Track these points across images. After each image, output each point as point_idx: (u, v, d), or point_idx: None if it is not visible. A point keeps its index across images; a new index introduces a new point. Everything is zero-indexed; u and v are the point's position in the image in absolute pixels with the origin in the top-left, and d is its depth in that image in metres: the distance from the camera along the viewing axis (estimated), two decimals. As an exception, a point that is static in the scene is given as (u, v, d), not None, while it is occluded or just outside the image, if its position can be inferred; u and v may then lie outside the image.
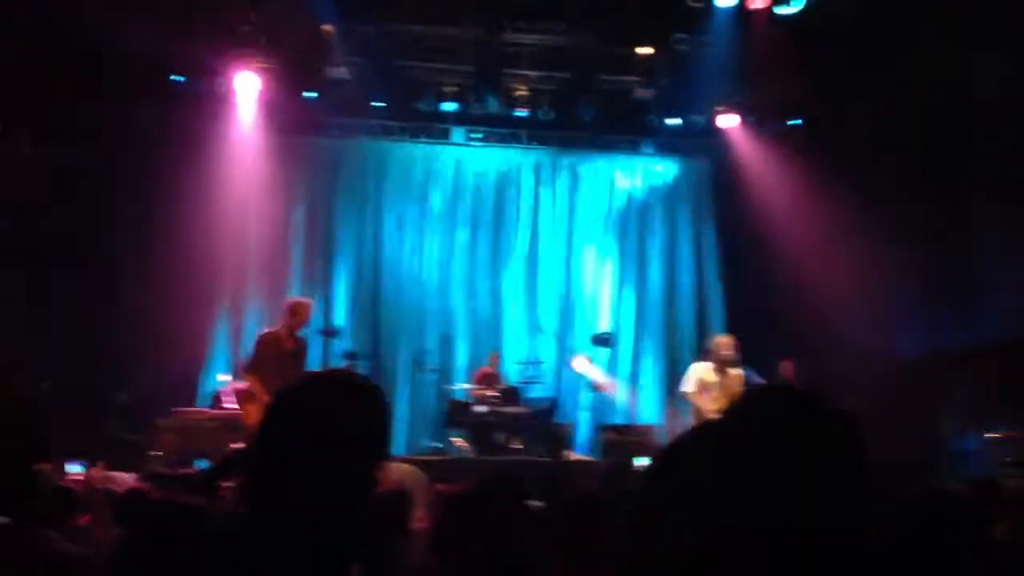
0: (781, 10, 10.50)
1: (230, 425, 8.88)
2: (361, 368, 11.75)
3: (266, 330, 8.53)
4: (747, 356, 8.98)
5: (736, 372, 8.73)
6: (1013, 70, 9.63)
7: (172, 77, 11.06)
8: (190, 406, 10.41)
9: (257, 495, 1.45)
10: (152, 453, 9.06)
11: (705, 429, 1.19)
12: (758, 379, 8.85)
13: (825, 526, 1.06)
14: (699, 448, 1.15)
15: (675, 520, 1.11)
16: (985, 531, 2.97)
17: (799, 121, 12.06)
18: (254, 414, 7.62)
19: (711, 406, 8.47)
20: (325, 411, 1.49)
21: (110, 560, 2.08)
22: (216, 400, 10.32)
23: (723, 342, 8.98)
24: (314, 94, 11.60)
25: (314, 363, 11.41)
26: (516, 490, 2.66)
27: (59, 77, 10.12)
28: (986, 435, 9.60)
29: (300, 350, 8.20)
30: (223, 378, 11.21)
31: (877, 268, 10.89)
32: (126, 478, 5.64)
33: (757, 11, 10.64)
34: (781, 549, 1.05)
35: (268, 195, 12.19)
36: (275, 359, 7.87)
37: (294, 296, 9.68)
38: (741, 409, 1.18)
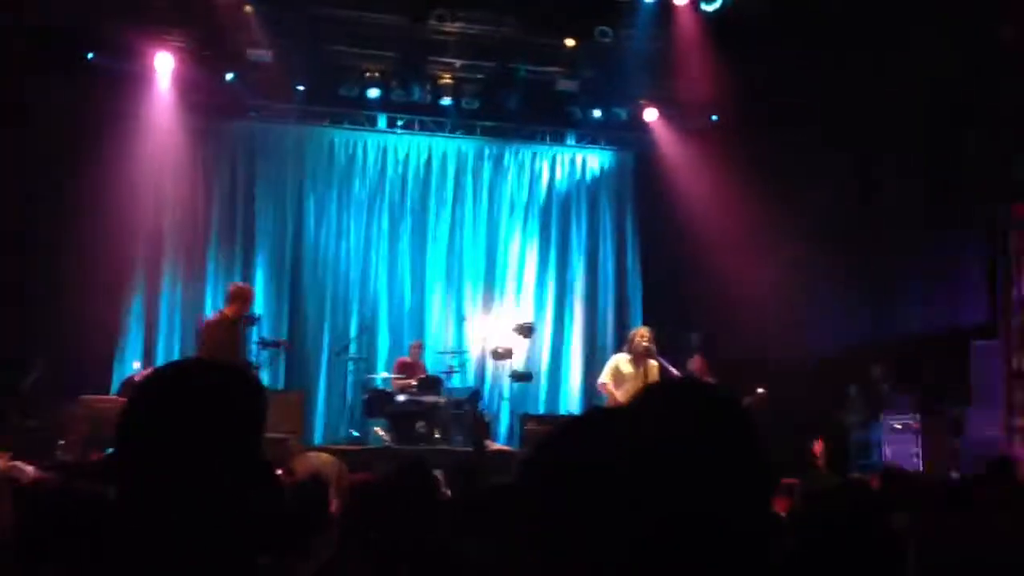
0: (705, 6, 10.68)
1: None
2: (280, 356, 11.63)
3: (215, 315, 8.64)
4: (664, 348, 9.10)
5: (652, 364, 8.85)
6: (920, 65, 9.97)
7: (87, 54, 10.73)
8: (103, 393, 10.14)
9: (128, 485, 1.43)
10: (60, 441, 8.80)
11: (581, 420, 1.19)
12: (673, 371, 8.97)
13: (719, 517, 1.08)
14: (579, 438, 1.15)
15: (551, 512, 1.10)
16: (887, 519, 3.07)
17: (717, 117, 12.26)
18: None
19: (626, 397, 8.57)
20: (189, 394, 1.48)
21: (6, 548, 2.03)
22: (128, 387, 10.07)
23: (641, 333, 9.08)
24: (234, 76, 11.38)
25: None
26: (425, 478, 2.66)
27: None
28: (892, 425, 9.94)
29: (244, 335, 8.40)
30: (136, 365, 10.97)
31: (792, 263, 11.18)
32: (29, 468, 5.48)
33: (681, 6, 10.80)
34: (673, 542, 1.06)
35: (185, 178, 11.94)
36: (229, 343, 8.08)
37: (238, 282, 9.73)
38: (638, 402, 1.19)
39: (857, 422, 10.40)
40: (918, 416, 9.68)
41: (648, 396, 1.20)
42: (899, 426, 9.78)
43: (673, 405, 1.15)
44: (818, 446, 8.98)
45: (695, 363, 10.65)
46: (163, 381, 1.52)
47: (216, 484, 1.40)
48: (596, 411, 1.21)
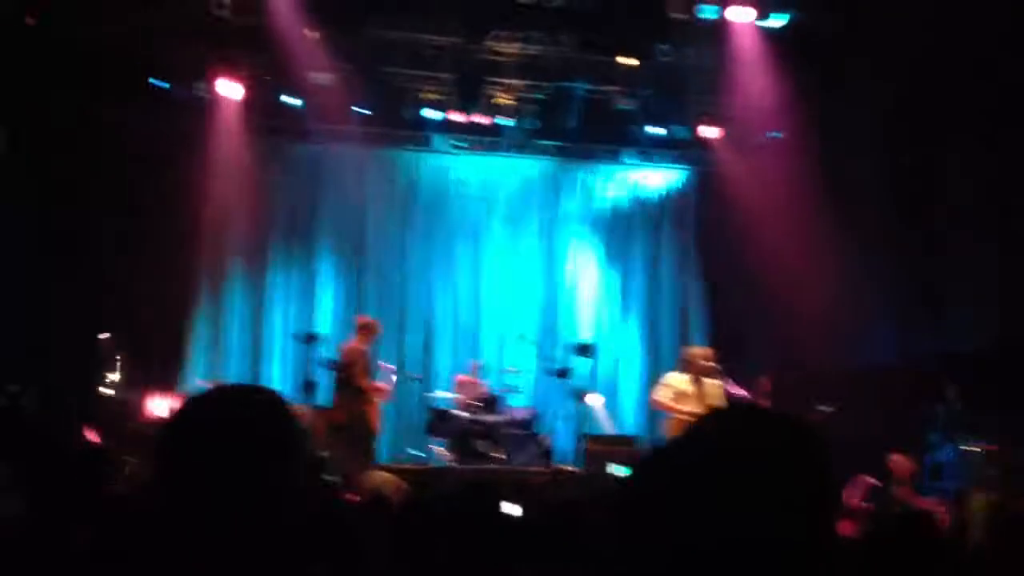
0: (765, 23, 10.59)
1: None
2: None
3: (356, 345, 9.39)
4: (728, 368, 8.99)
5: (713, 383, 8.74)
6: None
7: (153, 81, 11.00)
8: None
9: (163, 505, 1.47)
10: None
11: (673, 445, 1.19)
12: (738, 391, 8.85)
13: (784, 543, 1.06)
14: (665, 463, 1.15)
15: (642, 536, 1.11)
16: (957, 547, 2.99)
17: (779, 134, 12.11)
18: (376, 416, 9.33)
19: (687, 416, 8.46)
20: (228, 420, 1.52)
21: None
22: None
23: (699, 353, 8.99)
24: (298, 100, 11.57)
25: (299, 369, 11.43)
26: (490, 497, 2.65)
27: (37, 76, 10.05)
28: (962, 447, 9.65)
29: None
30: (201, 383, 11.15)
31: (854, 280, 10.97)
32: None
33: (739, 24, 10.72)
34: (739, 566, 1.05)
35: (249, 201, 12.15)
36: (366, 371, 9.28)
37: (365, 315, 10.25)
38: (700, 427, 1.18)
39: (930, 443, 10.13)
40: (992, 438, 9.39)
41: (716, 421, 1.19)
42: (973, 448, 9.50)
43: (741, 430, 1.15)
44: (897, 462, 8.65)
45: (763, 383, 10.51)
46: (198, 408, 1.57)
47: (243, 507, 1.44)
48: (686, 437, 1.22)
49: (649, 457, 1.19)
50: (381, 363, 10.93)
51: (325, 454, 8.33)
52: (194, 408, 1.56)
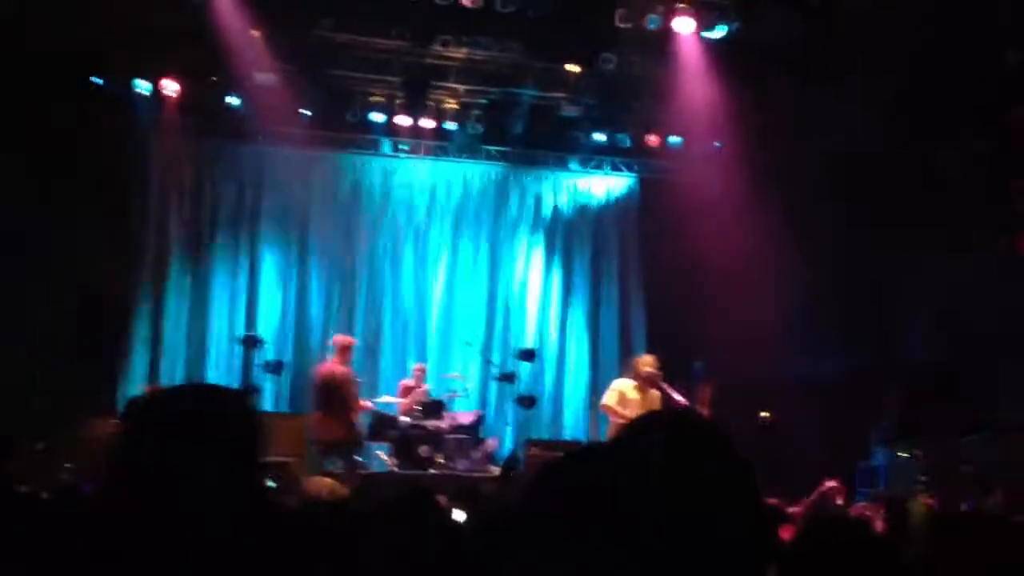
0: (707, 34, 10.73)
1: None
2: (282, 379, 11.63)
3: (342, 367, 9.76)
4: (668, 375, 9.08)
5: (656, 392, 8.84)
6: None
7: (92, 78, 10.80)
8: (107, 416, 10.11)
9: (123, 505, 1.45)
10: (67, 464, 8.75)
11: (583, 451, 1.21)
12: (678, 398, 8.94)
13: (710, 544, 1.08)
14: (579, 467, 1.16)
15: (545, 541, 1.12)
16: (894, 550, 3.05)
17: (721, 144, 12.28)
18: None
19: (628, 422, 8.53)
20: (186, 419, 1.50)
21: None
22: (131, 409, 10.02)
23: (646, 360, 9.08)
24: (240, 100, 11.44)
25: (235, 374, 11.29)
26: (427, 502, 2.65)
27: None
28: (897, 453, 9.87)
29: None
30: (143, 388, 10.95)
31: (796, 290, 11.15)
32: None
33: (684, 35, 10.85)
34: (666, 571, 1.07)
35: (191, 201, 12.01)
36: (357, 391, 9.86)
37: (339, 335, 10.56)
38: (624, 435, 1.20)
39: (865, 448, 10.34)
40: (926, 444, 9.61)
41: (639, 427, 1.21)
42: (906, 454, 9.72)
43: (663, 436, 1.16)
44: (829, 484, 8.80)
45: (704, 391, 10.62)
46: (163, 405, 1.55)
47: (208, 505, 1.42)
48: (597, 443, 1.23)
49: (566, 460, 1.19)
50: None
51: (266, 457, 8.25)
52: (156, 406, 1.54)
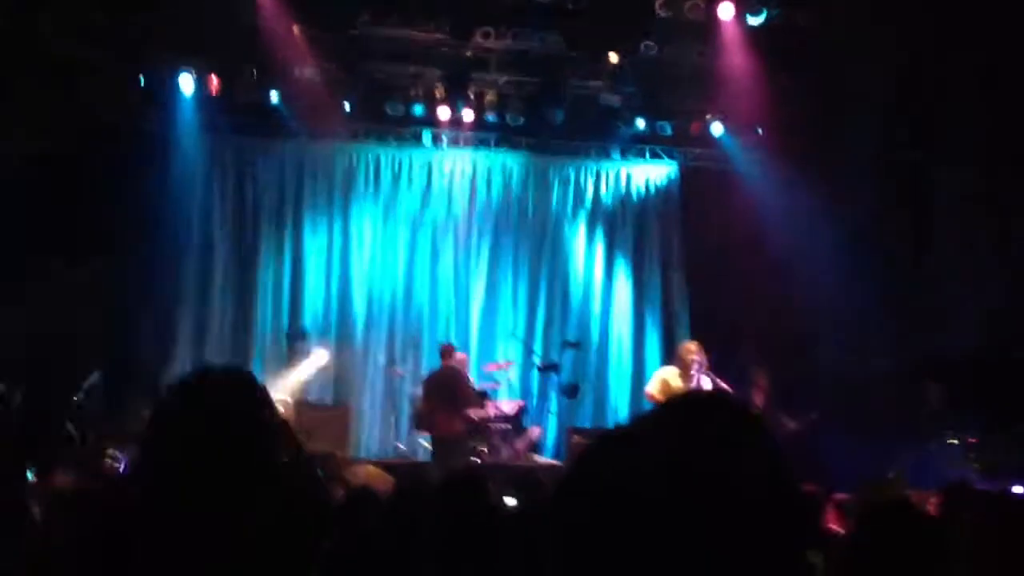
0: (749, 19, 10.63)
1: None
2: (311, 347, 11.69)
3: (456, 371, 10.71)
4: (716, 363, 9.02)
5: (702, 378, 8.78)
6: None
7: (138, 77, 10.97)
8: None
9: (150, 493, 1.47)
10: (109, 451, 8.91)
11: (614, 437, 1.19)
12: (723, 386, 8.88)
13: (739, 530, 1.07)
14: (608, 456, 1.15)
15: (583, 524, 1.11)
16: (948, 540, 3.01)
17: (764, 129, 12.14)
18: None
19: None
20: (204, 405, 1.52)
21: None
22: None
23: (689, 347, 9.03)
24: (280, 96, 11.53)
25: (281, 368, 11.41)
26: (478, 490, 2.66)
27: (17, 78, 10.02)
28: (948, 442, 9.73)
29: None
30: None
31: (841, 277, 11.01)
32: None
33: (726, 21, 10.75)
34: (697, 552, 1.06)
35: (234, 198, 12.15)
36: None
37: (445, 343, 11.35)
38: (652, 416, 1.18)
39: (918, 438, 10.19)
40: (976, 434, 9.47)
41: (669, 410, 1.19)
42: (956, 442, 9.57)
43: (693, 420, 1.15)
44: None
45: (758, 378, 10.58)
46: (181, 394, 1.56)
47: (231, 486, 1.44)
48: (628, 426, 1.21)
49: (596, 445, 1.18)
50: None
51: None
52: (181, 394, 1.56)
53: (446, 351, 10.84)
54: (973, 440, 9.51)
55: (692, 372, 8.77)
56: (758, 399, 9.78)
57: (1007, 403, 9.82)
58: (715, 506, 1.06)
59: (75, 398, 9.69)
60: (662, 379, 8.94)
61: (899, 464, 8.99)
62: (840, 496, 6.46)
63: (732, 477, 1.08)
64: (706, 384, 8.74)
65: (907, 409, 10.45)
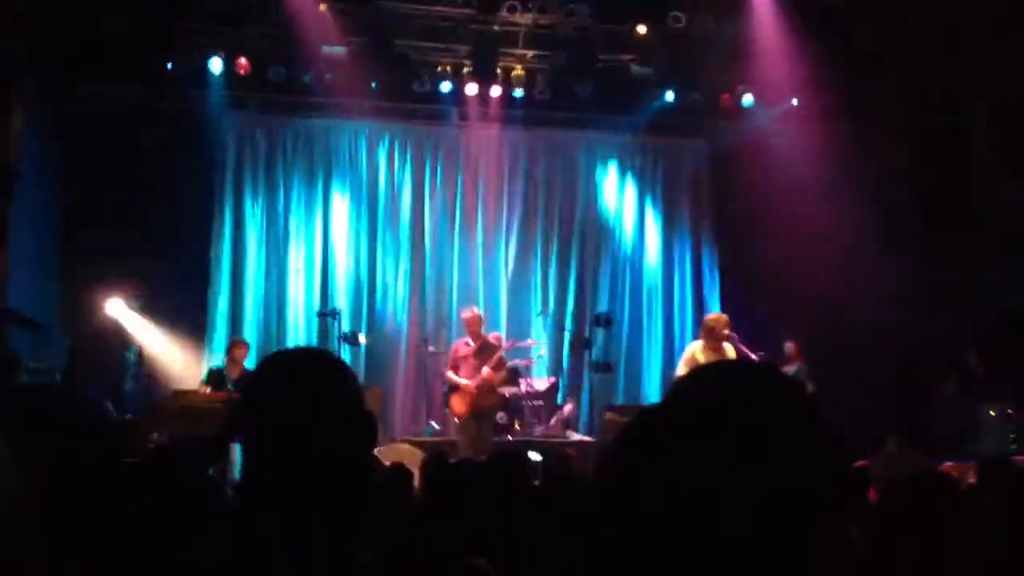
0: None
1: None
2: (361, 350, 11.77)
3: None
4: (744, 336, 8.95)
5: (730, 349, 8.71)
6: None
7: (165, 59, 11.01)
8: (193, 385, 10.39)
9: (254, 478, 1.48)
10: (155, 435, 9.01)
11: (652, 409, 1.18)
12: (753, 357, 8.81)
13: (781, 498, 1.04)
14: (651, 425, 1.13)
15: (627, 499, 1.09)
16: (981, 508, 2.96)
17: (798, 102, 11.96)
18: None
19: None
20: (305, 387, 1.52)
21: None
22: (215, 377, 10.17)
23: (716, 319, 8.97)
24: (309, 74, 11.51)
25: (320, 345, 11.46)
26: (518, 465, 2.64)
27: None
28: (989, 412, 9.61)
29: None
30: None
31: (881, 248, 10.87)
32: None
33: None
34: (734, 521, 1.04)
35: (264, 177, 12.19)
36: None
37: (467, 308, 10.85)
38: (686, 384, 1.16)
39: (958, 408, 10.07)
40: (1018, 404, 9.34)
41: (694, 379, 1.17)
42: (994, 414, 9.45)
43: (722, 387, 1.12)
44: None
45: (791, 347, 10.50)
46: (276, 369, 1.58)
47: (326, 454, 1.44)
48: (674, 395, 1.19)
49: (638, 418, 1.17)
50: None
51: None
52: (265, 374, 1.59)
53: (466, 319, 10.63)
54: (1011, 411, 9.39)
55: (722, 345, 8.69)
56: (789, 371, 9.71)
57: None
58: (758, 457, 1.05)
59: (120, 379, 9.85)
60: (690, 355, 8.85)
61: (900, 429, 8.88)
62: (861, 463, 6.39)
63: (765, 443, 1.07)
64: (727, 356, 8.67)
65: (949, 375, 10.32)
